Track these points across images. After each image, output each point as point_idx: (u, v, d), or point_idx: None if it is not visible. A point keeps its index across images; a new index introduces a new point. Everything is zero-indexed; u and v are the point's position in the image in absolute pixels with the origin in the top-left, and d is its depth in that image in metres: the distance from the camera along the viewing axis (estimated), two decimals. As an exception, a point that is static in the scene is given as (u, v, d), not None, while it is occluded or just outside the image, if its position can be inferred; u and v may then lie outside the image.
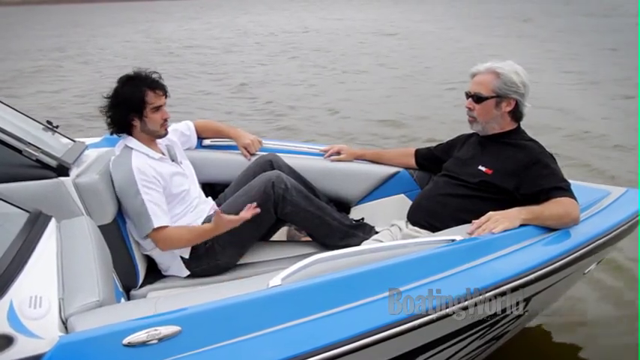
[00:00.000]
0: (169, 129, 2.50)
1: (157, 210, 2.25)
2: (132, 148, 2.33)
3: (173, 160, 2.47)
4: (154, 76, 2.35)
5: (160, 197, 2.28)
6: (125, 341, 1.34)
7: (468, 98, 2.25)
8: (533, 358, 2.63)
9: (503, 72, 2.16)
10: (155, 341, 1.35)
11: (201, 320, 1.42)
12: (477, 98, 2.20)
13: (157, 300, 1.62)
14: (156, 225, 2.23)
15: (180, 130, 2.72)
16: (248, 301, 1.48)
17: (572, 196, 2.03)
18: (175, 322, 1.39)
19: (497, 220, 1.91)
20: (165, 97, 2.36)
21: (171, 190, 2.35)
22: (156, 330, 1.36)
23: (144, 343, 1.35)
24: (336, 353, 1.43)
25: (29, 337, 1.32)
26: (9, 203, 1.81)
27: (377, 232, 2.46)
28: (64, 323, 1.43)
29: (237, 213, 2.36)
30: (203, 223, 2.41)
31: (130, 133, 2.36)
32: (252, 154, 2.76)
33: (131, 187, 2.24)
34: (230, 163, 2.77)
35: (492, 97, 2.17)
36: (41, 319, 1.38)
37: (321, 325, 1.47)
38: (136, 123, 2.32)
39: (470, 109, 2.24)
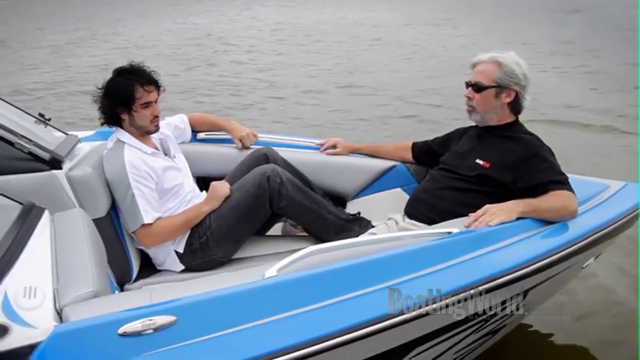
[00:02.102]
0: (163, 122, 2.53)
1: (147, 206, 2.28)
2: (124, 142, 2.35)
3: (166, 154, 2.49)
4: (147, 70, 2.37)
5: (151, 193, 2.31)
6: (120, 331, 1.37)
7: (467, 87, 2.28)
8: (530, 354, 2.65)
9: (505, 62, 2.19)
10: (150, 331, 1.38)
11: (197, 310, 1.45)
12: (477, 87, 2.23)
13: (152, 290, 1.65)
14: (145, 221, 2.26)
15: (175, 124, 2.74)
16: (244, 291, 1.51)
17: (570, 189, 2.07)
18: (171, 312, 1.42)
19: (494, 213, 1.95)
20: (158, 93, 2.39)
21: (163, 184, 2.38)
22: (151, 320, 1.39)
23: (139, 333, 1.38)
24: (331, 344, 1.46)
25: (24, 327, 1.35)
26: (2, 195, 1.85)
27: (373, 227, 2.49)
28: (59, 313, 1.46)
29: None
30: None
31: (120, 126, 2.39)
32: (247, 148, 2.79)
33: (122, 181, 2.27)
34: (224, 157, 2.80)
35: (493, 87, 2.20)
36: (36, 309, 1.41)
37: (317, 316, 1.51)
38: (125, 117, 2.35)
39: (469, 99, 2.27)
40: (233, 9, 24.87)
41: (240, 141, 2.79)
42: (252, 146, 2.79)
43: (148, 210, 2.28)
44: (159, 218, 2.32)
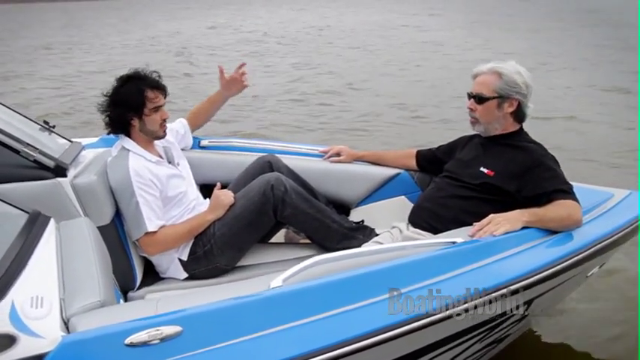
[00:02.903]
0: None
1: (151, 214, 2.30)
2: (129, 150, 2.37)
3: (170, 162, 2.51)
4: (154, 75, 2.40)
5: (155, 200, 2.32)
6: (127, 341, 1.38)
7: (469, 99, 2.29)
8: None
9: (505, 72, 2.21)
10: (157, 341, 1.40)
11: (203, 321, 1.47)
12: (479, 99, 2.25)
13: (158, 300, 1.67)
14: (149, 229, 2.28)
15: (176, 129, 2.76)
16: (250, 301, 1.53)
17: (575, 198, 2.08)
18: (177, 323, 1.43)
19: (499, 223, 1.96)
20: (165, 97, 2.42)
21: (167, 192, 2.40)
22: (158, 330, 1.41)
23: (146, 343, 1.39)
24: (336, 354, 1.48)
25: (32, 337, 1.37)
26: (8, 204, 1.87)
27: (377, 235, 2.50)
28: (66, 323, 1.48)
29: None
30: None
31: (128, 134, 2.40)
32: (248, 154, 2.81)
33: (127, 188, 2.28)
34: (228, 164, 2.82)
35: (494, 98, 2.22)
36: (43, 319, 1.42)
37: (322, 326, 1.52)
38: (135, 123, 2.37)
39: (472, 110, 2.29)
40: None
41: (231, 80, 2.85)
42: (255, 153, 2.80)
43: (152, 218, 2.29)
44: (163, 226, 2.34)
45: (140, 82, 2.35)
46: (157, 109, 2.37)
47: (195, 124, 2.89)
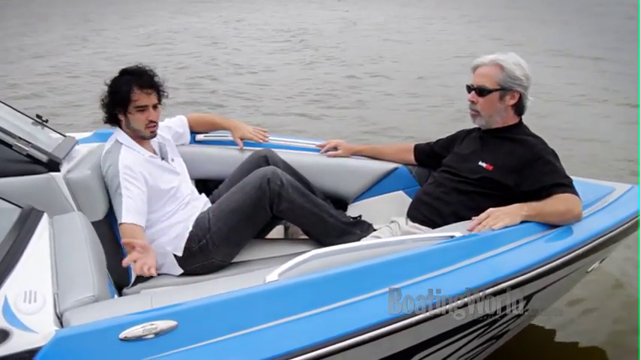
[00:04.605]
0: (162, 124, 2.54)
1: (132, 206, 2.27)
2: (122, 144, 2.38)
3: (163, 158, 2.52)
4: (151, 74, 2.40)
5: (140, 194, 2.31)
6: (121, 335, 1.40)
7: (470, 91, 2.29)
8: (532, 356, 2.69)
9: (507, 64, 2.21)
10: (151, 336, 1.41)
11: (198, 315, 1.48)
12: (481, 91, 2.25)
13: (152, 295, 1.68)
14: (123, 220, 2.24)
15: (174, 128, 2.77)
16: (245, 296, 1.54)
17: (574, 192, 2.08)
18: (172, 317, 1.45)
19: (498, 217, 1.97)
20: (159, 99, 2.42)
21: (159, 186, 2.40)
22: (152, 324, 1.42)
23: (140, 338, 1.40)
24: (333, 349, 1.49)
25: (25, 332, 1.38)
26: (1, 198, 1.87)
27: (375, 230, 2.51)
28: (59, 318, 1.48)
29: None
30: (196, 219, 2.47)
31: (120, 127, 2.42)
32: (244, 149, 2.81)
33: (114, 179, 2.29)
34: (224, 159, 2.83)
35: (497, 90, 2.22)
36: (36, 313, 1.43)
37: (319, 320, 1.53)
38: (121, 118, 2.39)
39: (473, 103, 2.29)
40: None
41: (242, 140, 2.82)
42: (251, 148, 2.81)
43: (130, 210, 2.26)
44: (139, 225, 2.28)
45: (132, 79, 2.35)
46: (142, 109, 2.36)
47: (192, 129, 2.89)
